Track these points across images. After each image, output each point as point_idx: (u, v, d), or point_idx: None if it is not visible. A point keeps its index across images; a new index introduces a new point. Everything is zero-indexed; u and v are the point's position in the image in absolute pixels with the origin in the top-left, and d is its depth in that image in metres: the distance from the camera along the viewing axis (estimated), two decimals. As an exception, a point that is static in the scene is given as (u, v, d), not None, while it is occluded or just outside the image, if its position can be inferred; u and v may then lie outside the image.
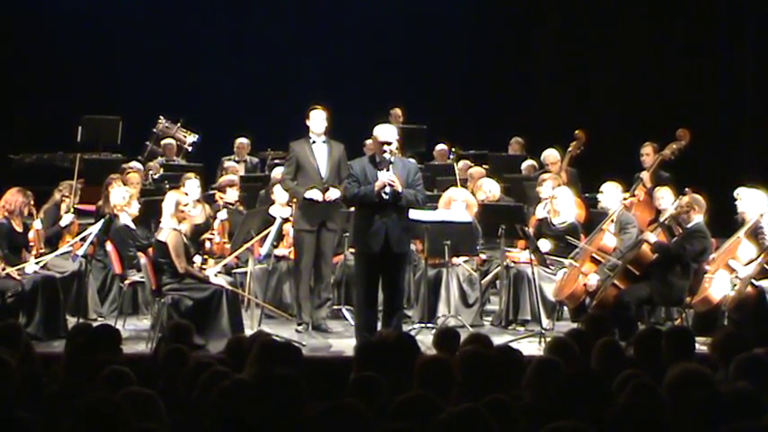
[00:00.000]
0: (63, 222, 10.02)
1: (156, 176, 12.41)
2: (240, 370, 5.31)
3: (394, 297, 8.66)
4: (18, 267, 9.07)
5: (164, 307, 8.77)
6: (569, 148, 11.81)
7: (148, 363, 6.57)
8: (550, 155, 11.85)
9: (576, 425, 3.84)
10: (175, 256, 8.82)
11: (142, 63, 15.39)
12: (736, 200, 9.28)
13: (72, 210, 10.18)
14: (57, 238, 9.99)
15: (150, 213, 10.07)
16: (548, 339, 7.80)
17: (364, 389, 4.69)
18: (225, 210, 10.51)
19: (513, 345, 6.69)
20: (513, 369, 5.23)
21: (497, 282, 10.21)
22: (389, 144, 8.60)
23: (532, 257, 9.43)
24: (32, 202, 9.50)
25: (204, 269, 9.34)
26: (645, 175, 10.79)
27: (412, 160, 9.72)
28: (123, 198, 9.95)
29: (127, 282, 9.64)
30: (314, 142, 9.50)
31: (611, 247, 9.38)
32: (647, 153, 11.06)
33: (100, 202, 10.36)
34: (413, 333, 7.91)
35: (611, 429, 4.09)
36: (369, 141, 10.80)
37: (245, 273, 9.92)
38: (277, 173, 10.82)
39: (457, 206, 9.99)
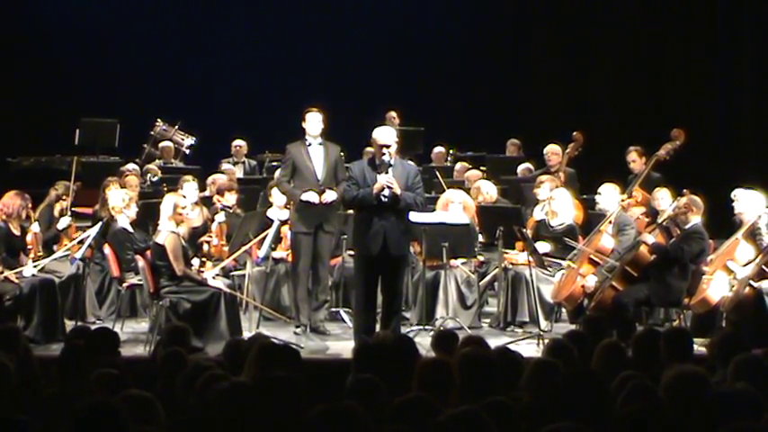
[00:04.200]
0: (60, 225, 10.00)
1: (154, 179, 12.41)
2: (238, 372, 5.30)
3: (392, 300, 8.66)
4: (16, 271, 9.06)
5: (162, 310, 8.76)
6: (567, 150, 11.81)
7: (146, 365, 6.57)
8: (552, 148, 11.82)
9: (575, 426, 3.83)
10: (173, 259, 8.82)
11: (140, 66, 15.40)
12: (733, 201, 9.28)
13: (68, 213, 10.16)
14: (54, 242, 9.98)
15: (148, 216, 10.07)
16: (546, 341, 7.80)
17: (363, 391, 4.68)
18: (223, 212, 10.51)
19: (512, 346, 6.70)
20: (512, 371, 5.23)
21: (495, 283, 10.21)
22: (388, 147, 8.60)
23: (530, 259, 9.43)
24: (30, 206, 9.50)
25: (202, 272, 9.33)
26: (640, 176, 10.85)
27: (411, 163, 9.71)
28: (123, 200, 9.94)
29: (125, 285, 9.63)
30: (310, 144, 9.50)
31: (609, 249, 9.38)
32: (633, 159, 11.10)
33: (97, 206, 10.36)
34: (411, 335, 7.90)
35: (610, 431, 4.09)
36: (369, 149, 10.78)
37: (244, 275, 9.92)
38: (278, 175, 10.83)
39: (454, 208, 9.99)
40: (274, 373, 4.50)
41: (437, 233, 9.34)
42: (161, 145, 14.04)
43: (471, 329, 9.35)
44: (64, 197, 10.29)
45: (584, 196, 11.12)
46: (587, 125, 12.48)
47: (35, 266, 9.22)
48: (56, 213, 10.25)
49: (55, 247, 9.89)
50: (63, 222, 10.02)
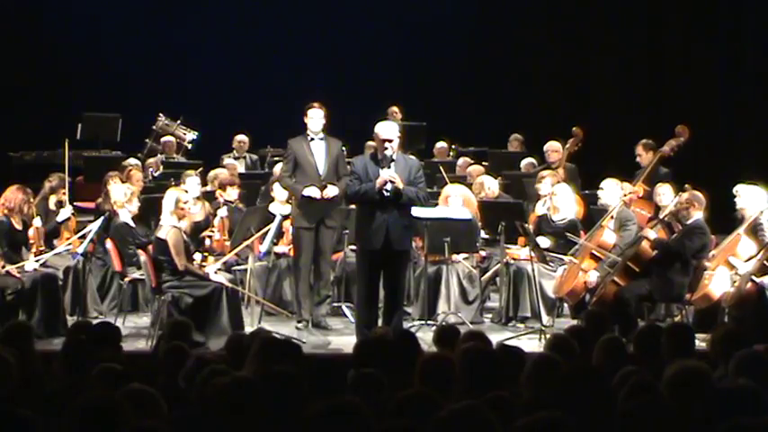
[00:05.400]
0: (60, 218, 9.98)
1: (156, 174, 12.41)
2: (240, 367, 5.30)
3: (394, 294, 8.66)
4: (18, 265, 9.07)
5: (163, 304, 8.77)
6: (567, 145, 11.81)
7: (148, 360, 6.58)
8: (552, 145, 11.83)
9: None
10: (175, 254, 8.82)
11: (141, 60, 15.38)
12: (735, 196, 9.27)
13: (66, 204, 10.13)
14: (54, 235, 9.96)
15: (150, 211, 10.07)
16: (548, 336, 7.81)
17: (364, 386, 4.69)
18: (225, 207, 10.51)
19: (514, 342, 6.70)
20: (513, 366, 5.23)
21: (497, 279, 10.21)
22: (390, 141, 8.60)
23: (532, 254, 9.43)
24: (32, 200, 9.50)
25: (204, 266, 9.33)
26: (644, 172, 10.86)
27: (413, 157, 9.71)
28: (125, 195, 9.94)
29: (127, 279, 9.64)
30: (312, 140, 9.51)
31: (611, 244, 9.38)
32: (639, 153, 11.14)
33: (99, 200, 10.36)
34: (413, 330, 7.91)
35: (611, 426, 4.09)
36: (370, 143, 10.79)
37: (245, 270, 9.92)
38: (279, 170, 10.83)
39: (454, 202, 9.99)
40: (276, 368, 4.50)
41: (439, 228, 9.34)
42: (163, 140, 14.02)
43: (473, 324, 9.34)
44: (62, 191, 10.26)
45: (586, 192, 11.13)
46: (589, 120, 12.48)
47: (37, 261, 9.22)
48: (51, 206, 10.23)
49: (56, 242, 9.89)
50: (63, 214, 9.99)
